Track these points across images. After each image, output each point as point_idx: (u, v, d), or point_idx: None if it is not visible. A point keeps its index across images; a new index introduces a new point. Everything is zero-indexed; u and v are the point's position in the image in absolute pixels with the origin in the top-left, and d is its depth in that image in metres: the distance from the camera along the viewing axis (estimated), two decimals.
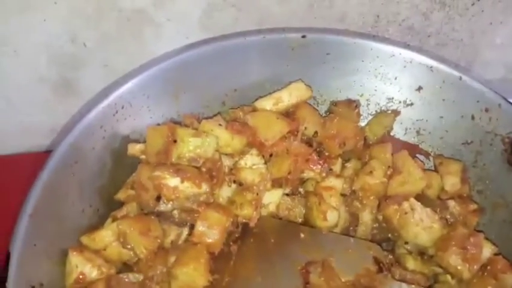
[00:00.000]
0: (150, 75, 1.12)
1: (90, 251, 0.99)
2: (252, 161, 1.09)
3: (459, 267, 1.02)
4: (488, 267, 1.02)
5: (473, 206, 1.12)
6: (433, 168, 1.22)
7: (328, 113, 1.26)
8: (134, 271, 1.01)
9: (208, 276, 0.98)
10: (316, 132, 1.17)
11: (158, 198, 1.04)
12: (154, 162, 1.06)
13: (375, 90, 1.25)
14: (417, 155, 1.24)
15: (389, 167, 1.12)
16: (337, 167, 1.15)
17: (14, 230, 0.91)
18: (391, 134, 1.27)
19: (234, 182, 1.09)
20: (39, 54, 1.24)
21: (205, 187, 1.03)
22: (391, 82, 1.23)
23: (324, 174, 1.12)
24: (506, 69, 1.47)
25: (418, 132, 1.25)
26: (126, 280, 0.99)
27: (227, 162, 1.10)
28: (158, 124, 1.14)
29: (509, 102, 1.11)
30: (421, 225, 1.05)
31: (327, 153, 1.17)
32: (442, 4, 1.28)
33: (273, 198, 1.11)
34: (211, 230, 1.01)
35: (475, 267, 1.01)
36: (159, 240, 1.01)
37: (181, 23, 1.24)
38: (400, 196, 1.08)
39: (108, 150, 1.10)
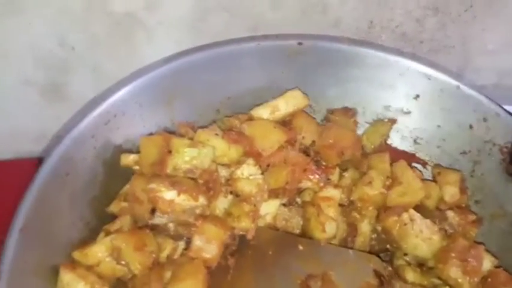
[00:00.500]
0: (143, 82, 1.09)
1: (83, 268, 0.95)
2: (248, 171, 1.06)
3: (459, 280, 1.01)
4: (489, 280, 1.01)
5: (472, 217, 1.11)
6: (430, 177, 1.21)
7: (324, 121, 1.24)
8: None
9: None
10: (313, 142, 1.15)
11: (153, 211, 1.00)
12: (148, 173, 1.02)
13: (372, 98, 1.23)
14: (414, 164, 1.23)
15: (388, 177, 1.11)
16: (335, 177, 1.13)
17: (3, 246, 0.87)
18: (388, 142, 1.25)
19: (231, 193, 1.06)
20: (26, 57, 1.19)
21: (202, 200, 1.00)
22: (388, 90, 1.21)
23: (321, 184, 1.10)
24: (498, 76, 1.47)
25: (415, 141, 1.24)
26: None
27: (223, 172, 1.07)
28: (152, 133, 1.11)
29: (508, 112, 1.11)
30: (420, 237, 1.04)
31: (324, 163, 1.15)
32: (435, 10, 1.28)
33: (270, 209, 1.08)
34: (209, 245, 0.98)
35: (476, 279, 1.01)
36: (154, 255, 0.97)
37: (173, 27, 1.21)
38: (400, 207, 1.07)
39: (100, 161, 1.06)
